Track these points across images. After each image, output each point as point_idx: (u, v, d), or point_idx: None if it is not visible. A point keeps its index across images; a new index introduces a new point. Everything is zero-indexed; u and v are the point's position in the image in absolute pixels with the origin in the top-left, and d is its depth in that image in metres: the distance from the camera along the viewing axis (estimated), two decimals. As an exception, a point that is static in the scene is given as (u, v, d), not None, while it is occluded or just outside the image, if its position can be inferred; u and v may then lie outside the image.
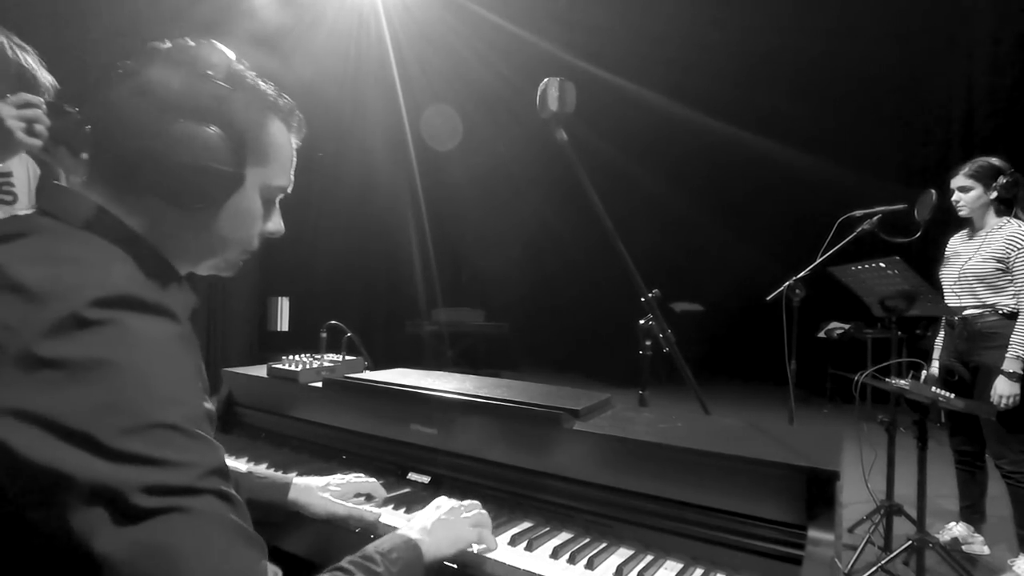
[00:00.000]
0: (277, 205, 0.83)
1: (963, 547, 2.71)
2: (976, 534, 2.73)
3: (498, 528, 1.04)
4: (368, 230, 7.60)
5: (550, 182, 7.42)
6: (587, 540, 1.02)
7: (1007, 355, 2.31)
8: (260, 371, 1.63)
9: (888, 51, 6.21)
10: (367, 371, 1.63)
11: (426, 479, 1.25)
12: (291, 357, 1.61)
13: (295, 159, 0.83)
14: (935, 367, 2.71)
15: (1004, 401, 2.30)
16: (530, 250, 8.63)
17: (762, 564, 0.91)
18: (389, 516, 1.11)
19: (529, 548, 0.99)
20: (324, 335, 1.67)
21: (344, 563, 0.74)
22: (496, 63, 7.22)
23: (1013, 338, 2.31)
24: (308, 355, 1.65)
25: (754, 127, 6.91)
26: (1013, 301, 2.37)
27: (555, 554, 0.97)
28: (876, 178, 5.66)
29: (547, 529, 1.06)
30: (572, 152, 1.37)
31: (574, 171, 1.37)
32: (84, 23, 4.73)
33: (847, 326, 5.69)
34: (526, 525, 1.08)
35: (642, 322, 1.62)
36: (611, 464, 1.06)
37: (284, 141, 0.80)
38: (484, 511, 1.00)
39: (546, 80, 1.34)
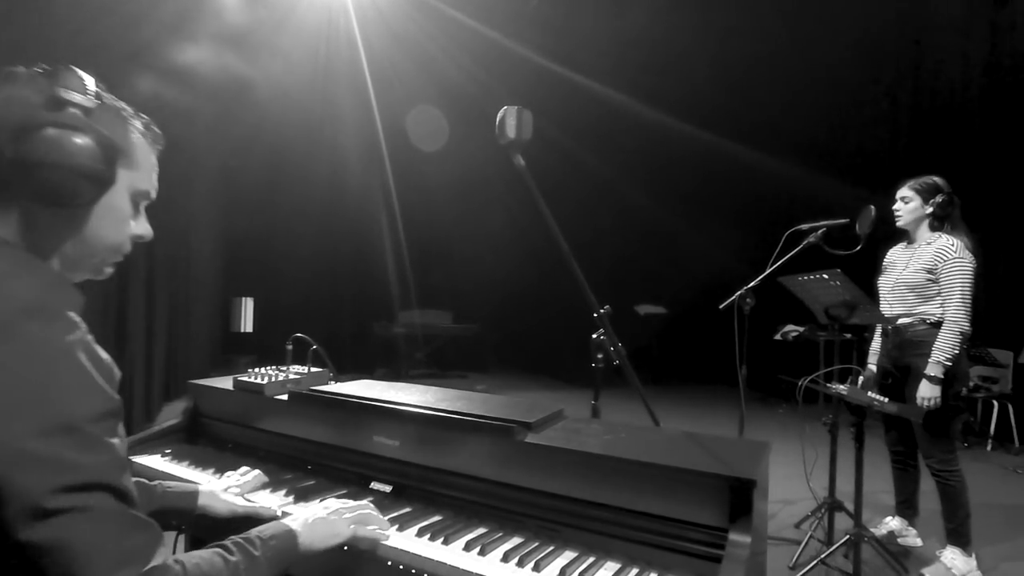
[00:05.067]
0: (143, 210, 0.90)
1: (899, 540, 2.90)
2: (910, 527, 2.92)
3: (454, 534, 1.12)
4: (337, 230, 7.56)
5: (521, 186, 7.48)
6: (536, 544, 1.11)
7: (930, 360, 2.49)
8: (226, 383, 1.67)
9: (851, 61, 6.50)
10: (332, 382, 1.68)
11: (388, 488, 1.31)
12: (257, 370, 1.65)
13: (156, 169, 0.90)
14: (872, 368, 2.90)
15: (926, 403, 2.48)
16: (500, 252, 8.69)
17: (690, 563, 1.01)
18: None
19: (482, 553, 1.07)
20: (290, 347, 1.71)
21: (227, 541, 0.85)
22: (467, 64, 7.26)
23: (936, 344, 2.49)
24: (274, 367, 1.70)
25: (720, 130, 7.10)
26: (940, 310, 2.56)
27: (505, 558, 1.05)
28: (840, 183, 5.88)
29: (500, 535, 1.14)
30: (529, 177, 1.46)
31: (531, 195, 1.45)
32: (41, 21, 4.61)
33: (802, 329, 5.92)
34: (481, 531, 1.16)
35: (594, 336, 1.71)
36: (559, 474, 1.15)
37: (145, 150, 0.88)
38: (370, 511, 1.09)
39: (504, 109, 1.41)
